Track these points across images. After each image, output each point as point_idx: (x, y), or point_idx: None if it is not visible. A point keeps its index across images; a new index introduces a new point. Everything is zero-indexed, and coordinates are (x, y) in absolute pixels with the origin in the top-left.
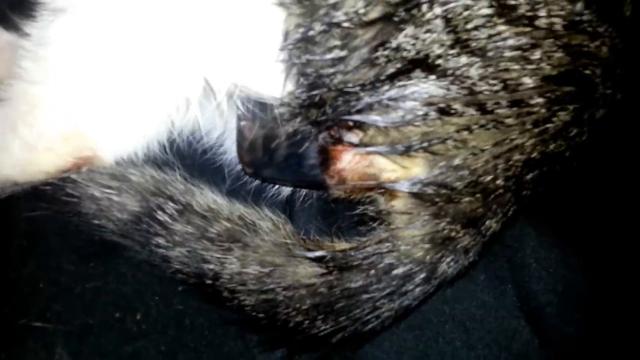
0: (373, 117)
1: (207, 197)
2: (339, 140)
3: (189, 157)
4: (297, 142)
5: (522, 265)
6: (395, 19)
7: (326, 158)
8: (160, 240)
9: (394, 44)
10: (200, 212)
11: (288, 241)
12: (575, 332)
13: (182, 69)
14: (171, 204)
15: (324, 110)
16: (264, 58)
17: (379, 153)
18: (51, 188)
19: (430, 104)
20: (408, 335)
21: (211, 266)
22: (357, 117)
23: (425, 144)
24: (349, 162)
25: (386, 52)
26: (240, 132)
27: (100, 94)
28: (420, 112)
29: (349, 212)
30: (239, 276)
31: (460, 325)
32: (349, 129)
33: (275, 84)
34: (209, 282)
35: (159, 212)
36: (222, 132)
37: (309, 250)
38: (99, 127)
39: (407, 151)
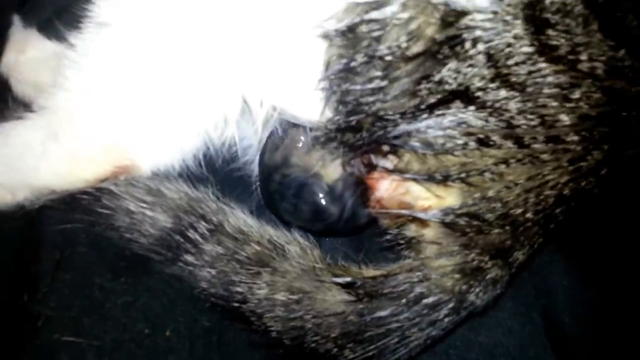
0: (412, 143)
1: (238, 218)
2: (373, 167)
3: (220, 172)
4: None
5: (549, 293)
6: (439, 56)
7: (365, 188)
8: (190, 258)
9: (436, 77)
10: (232, 234)
11: (316, 266)
12: None
13: (221, 88)
14: (203, 223)
15: (361, 134)
16: (303, 84)
17: (416, 180)
18: (87, 199)
19: (469, 134)
20: None
21: (239, 289)
22: (396, 142)
23: (463, 175)
24: (387, 189)
25: (429, 85)
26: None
27: (140, 106)
28: (460, 142)
29: (378, 239)
30: (267, 301)
31: (486, 352)
32: (384, 154)
33: (313, 109)
34: (235, 304)
35: (191, 230)
36: (257, 150)
37: (338, 276)
38: (138, 139)
39: (444, 181)
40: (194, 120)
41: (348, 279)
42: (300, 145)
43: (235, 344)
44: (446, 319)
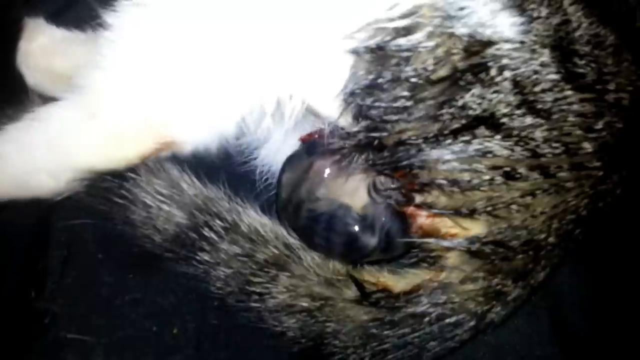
0: (439, 181)
1: (253, 218)
2: (412, 199)
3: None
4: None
5: (556, 292)
6: (462, 82)
7: (404, 218)
8: (206, 257)
9: (460, 102)
10: (247, 234)
11: (334, 277)
12: None
13: (260, 77)
14: (218, 221)
15: (382, 154)
16: (331, 86)
17: (442, 215)
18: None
19: (495, 168)
20: None
21: (257, 290)
22: (423, 180)
23: (489, 209)
24: (427, 217)
25: (451, 110)
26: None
27: (179, 85)
28: (487, 177)
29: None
30: (287, 305)
31: (493, 350)
32: (415, 190)
33: (332, 109)
34: (252, 304)
35: (206, 229)
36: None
37: (360, 287)
38: (178, 115)
39: (470, 215)
40: (231, 104)
41: (372, 300)
42: (324, 177)
43: (243, 342)
44: (464, 334)
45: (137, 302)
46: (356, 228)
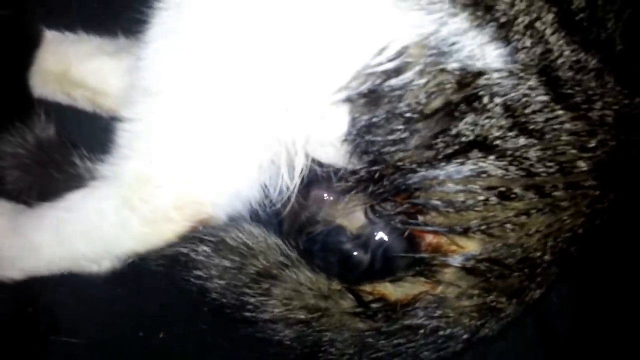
0: (434, 202)
1: (244, 231)
2: (415, 220)
3: None
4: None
5: (542, 299)
6: (456, 113)
7: (412, 238)
8: (199, 272)
9: (453, 131)
10: (236, 247)
11: (329, 288)
12: None
13: (269, 136)
14: (209, 236)
15: (382, 183)
16: (331, 135)
17: (437, 232)
18: None
19: (490, 188)
20: None
21: (252, 300)
22: (419, 201)
23: (484, 227)
24: (434, 235)
25: (446, 139)
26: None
27: (204, 161)
28: (481, 197)
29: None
30: (282, 317)
31: (479, 357)
32: (415, 211)
33: (341, 157)
34: (247, 314)
35: (198, 243)
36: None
37: (357, 297)
38: (209, 191)
39: (465, 233)
40: (253, 171)
41: (369, 313)
42: (324, 203)
43: (229, 346)
44: (458, 346)
45: (124, 305)
46: (348, 246)
